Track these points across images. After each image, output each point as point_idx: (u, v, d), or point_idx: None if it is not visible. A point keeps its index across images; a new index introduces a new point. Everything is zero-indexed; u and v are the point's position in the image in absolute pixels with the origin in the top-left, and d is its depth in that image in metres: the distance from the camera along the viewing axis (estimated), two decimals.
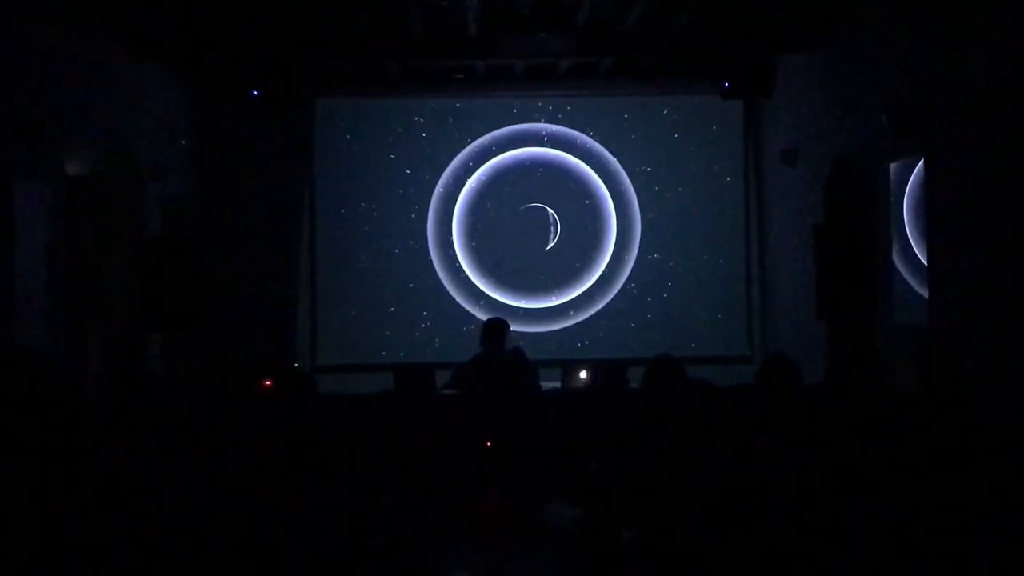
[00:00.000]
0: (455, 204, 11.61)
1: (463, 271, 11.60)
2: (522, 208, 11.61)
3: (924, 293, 7.47)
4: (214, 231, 11.07)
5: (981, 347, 6.28)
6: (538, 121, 11.62)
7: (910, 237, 8.03)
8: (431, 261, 11.58)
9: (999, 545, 3.39)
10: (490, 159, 11.61)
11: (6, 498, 3.50)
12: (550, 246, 11.62)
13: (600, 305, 11.59)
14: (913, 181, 7.94)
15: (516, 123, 11.60)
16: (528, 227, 11.62)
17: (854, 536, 3.45)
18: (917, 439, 3.95)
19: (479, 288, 11.59)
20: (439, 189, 11.58)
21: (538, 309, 11.53)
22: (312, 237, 11.47)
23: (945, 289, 7.04)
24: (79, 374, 8.33)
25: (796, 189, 10.26)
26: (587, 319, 11.58)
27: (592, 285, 11.63)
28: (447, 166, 11.59)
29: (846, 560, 3.47)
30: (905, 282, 8.03)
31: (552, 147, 11.63)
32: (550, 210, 11.61)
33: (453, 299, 11.53)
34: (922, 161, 7.49)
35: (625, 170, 11.61)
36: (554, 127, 11.61)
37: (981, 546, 3.37)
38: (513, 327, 9.23)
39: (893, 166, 8.11)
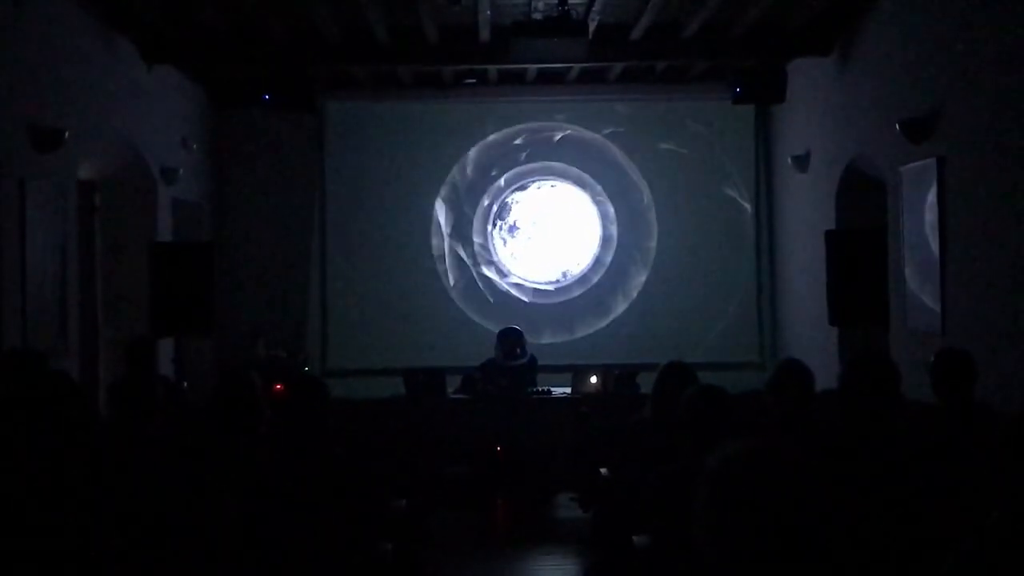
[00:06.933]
0: (466, 209, 11.61)
1: (474, 275, 11.60)
2: (533, 211, 11.63)
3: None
4: (225, 235, 11.10)
5: (995, 353, 6.25)
6: (549, 126, 11.62)
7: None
8: (442, 265, 11.57)
9: (1013, 550, 3.36)
10: (501, 164, 11.61)
11: (16, 501, 3.50)
12: (561, 251, 11.62)
13: (611, 310, 11.57)
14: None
15: (528, 128, 11.59)
16: (539, 233, 11.62)
17: (867, 541, 3.43)
18: (932, 445, 3.93)
19: (490, 293, 11.58)
20: (450, 194, 11.59)
21: (549, 313, 11.50)
22: (323, 241, 11.47)
23: (958, 295, 7.01)
24: (90, 377, 8.35)
25: (808, 195, 10.23)
26: (597, 324, 11.54)
27: (603, 290, 11.61)
28: (459, 171, 11.59)
29: (857, 566, 3.44)
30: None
31: (563, 152, 11.62)
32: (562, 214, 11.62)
33: (464, 304, 11.52)
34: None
35: (635, 176, 11.59)
36: (567, 132, 11.61)
37: (993, 552, 3.34)
38: (524, 332, 9.22)
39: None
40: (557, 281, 11.64)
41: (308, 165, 11.44)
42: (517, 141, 11.58)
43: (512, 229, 11.68)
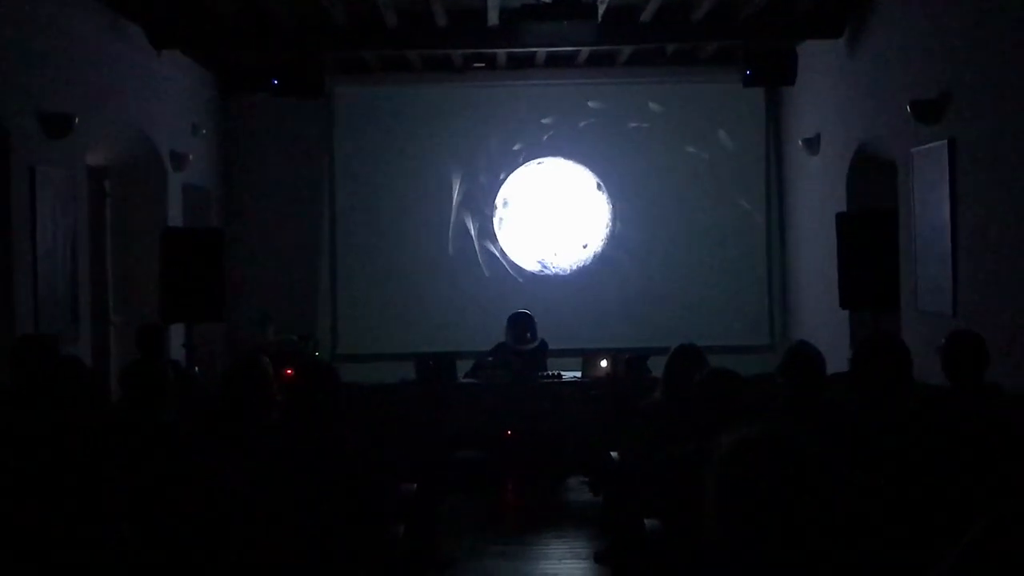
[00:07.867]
0: (475, 192, 11.59)
1: (483, 260, 11.58)
2: (542, 197, 11.59)
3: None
4: (235, 220, 11.13)
5: (1007, 334, 6.23)
6: (559, 109, 11.58)
7: None
8: (451, 250, 11.57)
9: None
10: (511, 147, 11.58)
11: (28, 485, 3.52)
12: (570, 235, 11.59)
13: (622, 294, 11.53)
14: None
15: (537, 111, 11.56)
16: (548, 216, 11.60)
17: (876, 525, 3.42)
18: (943, 428, 3.92)
19: (500, 277, 11.57)
20: (459, 178, 11.57)
21: (558, 298, 11.47)
22: (332, 225, 11.49)
23: (969, 276, 6.99)
24: (101, 363, 8.37)
25: (818, 177, 10.19)
26: (607, 308, 11.51)
27: (612, 273, 11.58)
28: (467, 155, 11.57)
29: (867, 549, 3.44)
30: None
31: (570, 135, 11.58)
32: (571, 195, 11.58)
33: (474, 288, 11.50)
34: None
35: (645, 159, 11.55)
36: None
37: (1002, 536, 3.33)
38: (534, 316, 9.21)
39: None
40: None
41: (317, 150, 11.46)
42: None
43: (518, 213, 11.65)
